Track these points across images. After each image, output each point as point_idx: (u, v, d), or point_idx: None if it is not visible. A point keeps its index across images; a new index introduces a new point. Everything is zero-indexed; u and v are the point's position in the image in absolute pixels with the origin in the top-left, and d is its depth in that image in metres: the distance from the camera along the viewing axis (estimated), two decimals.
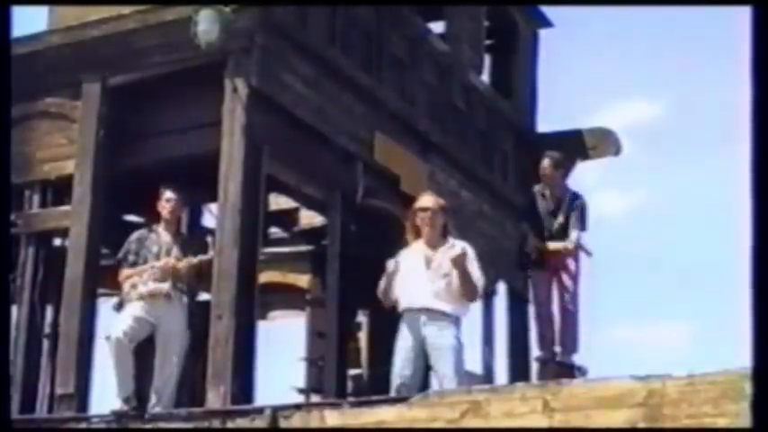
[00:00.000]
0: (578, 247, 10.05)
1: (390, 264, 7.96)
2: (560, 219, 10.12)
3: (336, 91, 10.20)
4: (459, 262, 7.84)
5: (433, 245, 8.04)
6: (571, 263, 10.09)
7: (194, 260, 8.88)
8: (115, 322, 8.87)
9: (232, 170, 9.10)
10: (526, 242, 10.21)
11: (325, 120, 10.01)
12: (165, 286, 8.76)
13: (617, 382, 6.61)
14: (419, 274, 7.90)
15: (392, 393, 7.69)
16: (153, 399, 8.74)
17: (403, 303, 7.94)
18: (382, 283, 7.99)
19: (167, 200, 9.07)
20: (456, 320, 7.90)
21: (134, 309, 8.79)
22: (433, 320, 7.81)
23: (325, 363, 10.36)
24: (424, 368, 7.92)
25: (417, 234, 8.15)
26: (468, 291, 7.94)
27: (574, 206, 10.13)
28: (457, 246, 8.02)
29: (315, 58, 9.91)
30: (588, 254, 10.19)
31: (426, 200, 8.25)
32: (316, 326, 12.44)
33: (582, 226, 10.12)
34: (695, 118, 30.04)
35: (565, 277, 10.09)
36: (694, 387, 6.34)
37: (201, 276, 9.04)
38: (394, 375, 7.83)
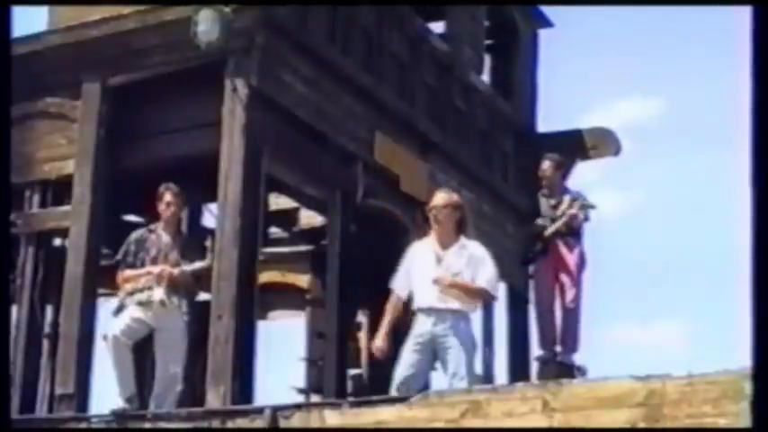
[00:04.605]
0: (583, 206, 10.05)
1: (406, 258, 7.95)
2: (563, 207, 10.14)
3: (336, 91, 10.20)
4: (455, 288, 7.74)
5: (444, 243, 7.91)
6: (574, 256, 10.11)
7: (189, 268, 8.85)
8: (113, 322, 8.86)
9: (232, 170, 9.10)
10: (532, 241, 10.24)
11: (325, 120, 10.01)
12: (161, 294, 8.72)
13: (617, 382, 6.61)
14: (428, 274, 7.79)
15: (392, 391, 7.64)
16: (152, 407, 8.71)
17: (415, 303, 7.87)
18: (399, 277, 7.97)
19: (167, 203, 9.02)
20: (466, 317, 7.79)
21: (132, 311, 8.78)
22: (442, 320, 7.68)
23: (325, 363, 10.37)
24: (428, 370, 7.87)
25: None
26: (475, 297, 7.88)
27: (576, 199, 10.18)
28: (469, 246, 7.92)
29: (315, 58, 9.91)
30: (593, 207, 10.19)
31: (438, 197, 8.06)
32: (316, 326, 12.43)
33: (586, 212, 10.16)
34: (695, 117, 30.05)
35: (566, 274, 10.10)
36: (694, 387, 6.34)
37: (199, 281, 9.02)
38: (396, 374, 7.74)
